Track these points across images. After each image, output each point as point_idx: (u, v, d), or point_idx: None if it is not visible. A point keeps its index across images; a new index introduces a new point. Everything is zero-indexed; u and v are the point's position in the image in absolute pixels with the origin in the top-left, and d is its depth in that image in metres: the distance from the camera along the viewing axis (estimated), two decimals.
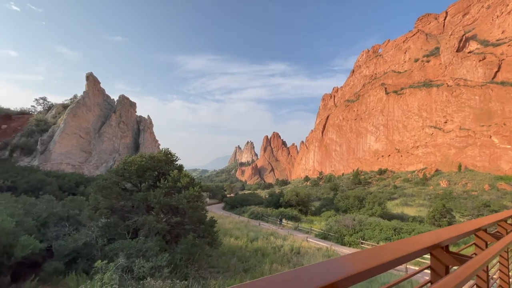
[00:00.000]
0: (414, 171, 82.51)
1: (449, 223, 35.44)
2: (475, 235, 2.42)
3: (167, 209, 14.74)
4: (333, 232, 28.55)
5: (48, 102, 57.94)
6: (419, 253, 1.41)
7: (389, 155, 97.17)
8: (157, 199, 13.93)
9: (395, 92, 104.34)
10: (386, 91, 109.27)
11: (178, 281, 10.40)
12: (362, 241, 24.85)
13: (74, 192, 33.96)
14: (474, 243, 2.50)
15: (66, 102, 57.34)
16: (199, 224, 15.87)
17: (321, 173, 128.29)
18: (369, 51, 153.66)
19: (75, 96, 57.62)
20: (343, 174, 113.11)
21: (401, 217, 41.73)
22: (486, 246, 2.42)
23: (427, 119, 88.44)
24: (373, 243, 23.73)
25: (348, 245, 25.54)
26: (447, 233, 1.79)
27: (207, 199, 66.40)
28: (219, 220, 34.59)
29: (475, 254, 2.24)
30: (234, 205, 54.95)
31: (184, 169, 18.36)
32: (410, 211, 48.10)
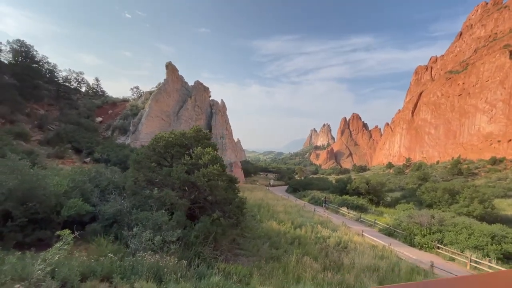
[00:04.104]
0: None
1: None
2: None
3: (189, 186, 14.58)
4: (401, 229, 23.51)
5: (140, 90, 68.87)
6: None
7: (510, 139, 74.02)
8: (178, 174, 13.84)
9: None
10: (511, 55, 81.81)
11: (173, 258, 9.95)
12: (438, 245, 19.34)
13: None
14: None
15: (152, 89, 66.57)
16: (225, 204, 15.19)
17: (408, 159, 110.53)
18: (487, 4, 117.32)
19: (159, 84, 66.03)
20: (437, 162, 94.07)
21: None
22: None
23: None
24: (455, 250, 18.07)
25: (419, 247, 20.39)
26: None
27: (272, 180, 66.75)
28: (272, 202, 33.75)
29: None
30: (297, 188, 53.11)
31: (216, 145, 17.84)
32: None
